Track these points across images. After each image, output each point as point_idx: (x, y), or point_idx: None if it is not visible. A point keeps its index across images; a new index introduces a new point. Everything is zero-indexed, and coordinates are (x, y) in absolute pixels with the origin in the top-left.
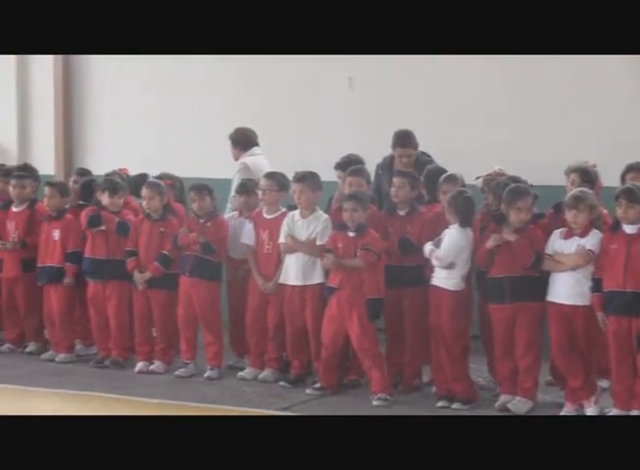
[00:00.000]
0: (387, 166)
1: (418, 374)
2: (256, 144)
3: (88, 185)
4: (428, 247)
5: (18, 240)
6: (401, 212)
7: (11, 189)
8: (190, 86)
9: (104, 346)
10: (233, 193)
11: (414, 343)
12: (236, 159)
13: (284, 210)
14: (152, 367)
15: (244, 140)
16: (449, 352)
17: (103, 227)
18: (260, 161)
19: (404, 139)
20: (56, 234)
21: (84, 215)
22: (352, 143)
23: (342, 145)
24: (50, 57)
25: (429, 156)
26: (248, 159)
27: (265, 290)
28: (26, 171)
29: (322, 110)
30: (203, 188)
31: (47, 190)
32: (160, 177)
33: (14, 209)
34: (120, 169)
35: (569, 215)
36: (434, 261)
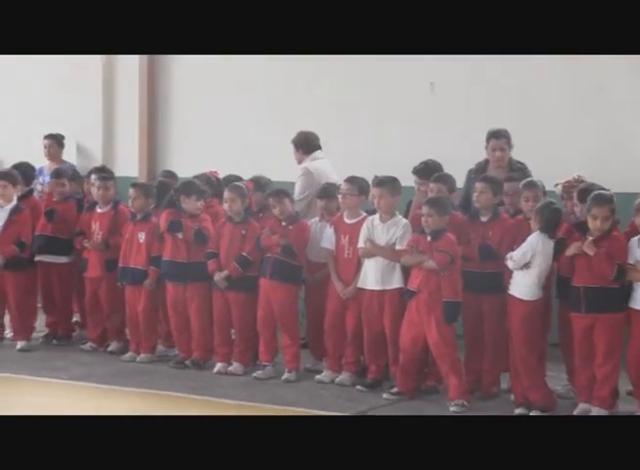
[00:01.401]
0: (480, 172)
1: (496, 381)
2: (319, 147)
3: (163, 186)
4: (507, 256)
5: (102, 240)
6: (483, 218)
7: (94, 190)
8: (274, 86)
9: (184, 347)
10: (297, 197)
11: (493, 350)
12: (299, 162)
13: (364, 214)
14: (230, 369)
15: (306, 143)
16: (524, 360)
17: (180, 235)
18: (323, 164)
19: (498, 131)
20: (141, 236)
21: (164, 219)
22: (431, 147)
23: (421, 149)
24: (135, 57)
25: (522, 164)
26: (309, 163)
27: (344, 295)
28: (108, 173)
29: (401, 114)
30: (280, 192)
31: (132, 192)
32: (257, 180)
33: (98, 210)
34: (211, 172)
35: (637, 220)
36: (509, 263)
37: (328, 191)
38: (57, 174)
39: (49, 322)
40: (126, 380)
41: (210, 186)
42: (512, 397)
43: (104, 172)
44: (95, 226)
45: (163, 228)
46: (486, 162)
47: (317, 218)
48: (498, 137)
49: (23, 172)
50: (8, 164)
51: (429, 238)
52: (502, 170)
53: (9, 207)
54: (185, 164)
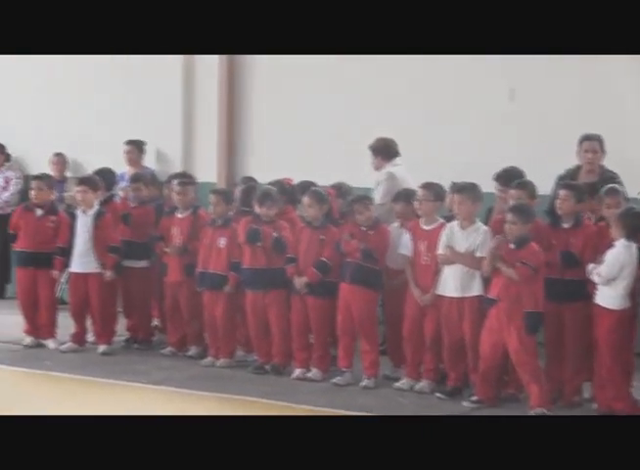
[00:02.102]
0: (569, 178)
1: (579, 390)
2: (398, 154)
3: (249, 191)
4: (590, 267)
5: (181, 245)
6: (566, 225)
7: (174, 196)
8: (350, 87)
9: (263, 352)
10: (379, 201)
11: (575, 358)
12: (377, 168)
13: (442, 220)
14: (309, 374)
15: (386, 150)
16: (610, 370)
17: (259, 244)
18: (403, 171)
19: (591, 134)
20: (222, 242)
21: (242, 229)
22: (510, 154)
23: (499, 156)
24: (214, 59)
25: (613, 172)
26: (393, 168)
27: (422, 302)
28: (187, 178)
29: (479, 120)
30: (366, 198)
31: (212, 197)
32: (339, 187)
33: (178, 215)
34: (285, 179)
35: None
36: (596, 278)
37: (403, 195)
38: (134, 179)
39: (129, 326)
40: (205, 385)
41: (285, 193)
42: (594, 406)
43: (184, 178)
44: (175, 231)
45: (242, 238)
46: (577, 168)
47: (397, 224)
48: (591, 139)
49: (105, 178)
50: (90, 170)
51: (512, 246)
52: (593, 176)
53: (91, 212)
54: (263, 168)
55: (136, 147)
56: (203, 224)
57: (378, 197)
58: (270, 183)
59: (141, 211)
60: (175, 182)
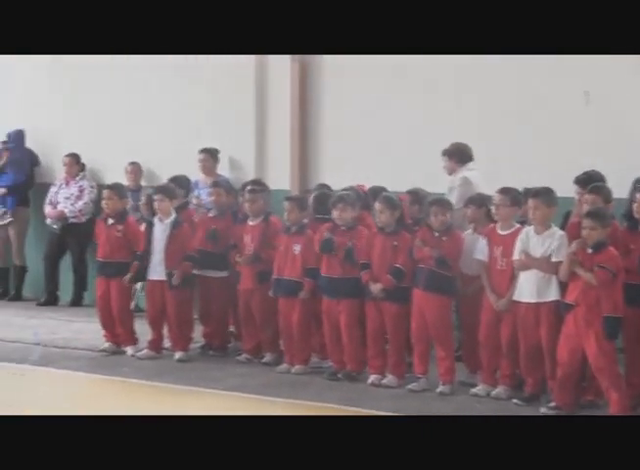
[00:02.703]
0: None
1: None
2: (472, 159)
3: (322, 198)
4: None
5: (253, 253)
6: None
7: (245, 204)
8: (420, 87)
9: (338, 358)
10: (455, 206)
11: None
12: (450, 173)
13: (518, 225)
14: (384, 381)
15: (461, 154)
16: None
17: (334, 253)
18: (477, 176)
19: None
20: (297, 248)
21: (317, 240)
22: (587, 157)
23: (575, 159)
24: (287, 63)
25: None
26: (468, 173)
27: (498, 307)
28: (258, 186)
29: (554, 122)
30: (445, 202)
31: (286, 204)
32: (416, 193)
33: (250, 222)
34: (358, 185)
35: None
36: None
37: (475, 200)
38: (214, 184)
39: (205, 333)
40: (280, 391)
41: (359, 199)
42: None
43: (256, 185)
44: (247, 239)
45: (316, 248)
46: None
47: (471, 230)
48: None
49: (180, 185)
50: (164, 178)
51: (589, 250)
52: None
53: (168, 220)
54: (337, 174)
55: (210, 155)
56: (274, 231)
57: (452, 202)
58: (344, 189)
59: (222, 224)
60: (246, 190)
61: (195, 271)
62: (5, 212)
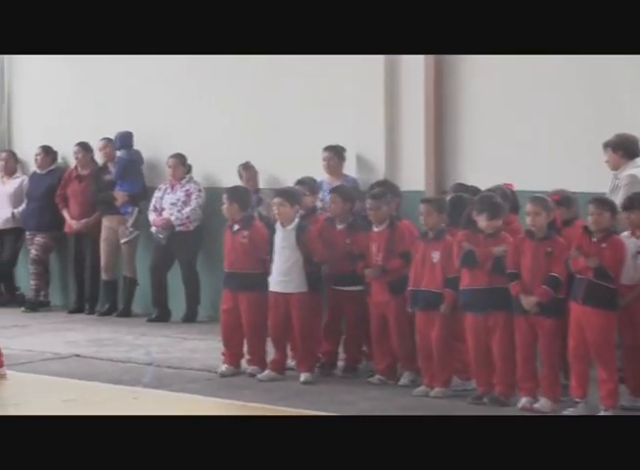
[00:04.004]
0: None
1: None
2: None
3: (457, 202)
4: None
5: (379, 267)
6: None
7: (368, 211)
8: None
9: (483, 380)
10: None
11: None
12: (615, 167)
13: None
14: (536, 405)
15: (627, 147)
16: None
17: (477, 266)
18: None
19: None
20: (435, 256)
21: (456, 248)
22: None
23: None
24: (420, 59)
25: None
26: (635, 170)
27: None
28: (385, 187)
29: None
30: (606, 202)
31: (422, 207)
32: (566, 195)
33: (375, 229)
34: (505, 184)
35: None
36: None
37: (634, 202)
38: (333, 190)
39: (327, 351)
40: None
41: (507, 200)
42: None
43: (382, 188)
44: (373, 247)
45: (456, 262)
46: None
47: (627, 233)
48: None
49: (309, 188)
50: (287, 180)
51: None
52: None
53: (291, 227)
54: (477, 174)
55: (335, 153)
56: (401, 237)
57: (616, 203)
58: (488, 189)
59: (339, 233)
60: (368, 196)
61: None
62: (131, 231)
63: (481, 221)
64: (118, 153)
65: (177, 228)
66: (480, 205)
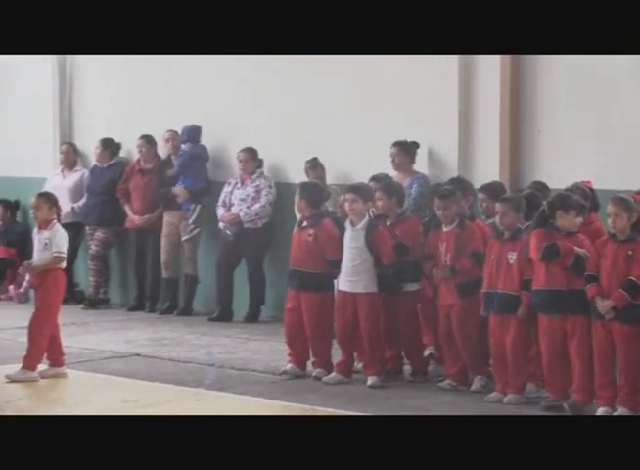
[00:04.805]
0: None
1: None
2: None
3: (530, 200)
4: None
5: (449, 268)
6: None
7: (436, 211)
8: None
9: (556, 387)
10: None
11: None
12: None
13: None
14: (615, 415)
15: None
16: None
17: (558, 260)
18: None
19: None
20: (512, 257)
21: (535, 244)
22: None
23: None
24: (496, 58)
25: None
26: None
27: None
28: (457, 185)
29: None
30: None
31: (499, 206)
32: None
33: (444, 229)
34: (584, 182)
35: None
36: None
37: None
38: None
39: (389, 357)
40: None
41: (586, 199)
42: None
43: (453, 185)
44: (442, 247)
45: (536, 256)
46: None
47: None
48: None
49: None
50: (356, 177)
51: None
52: None
53: (360, 225)
54: (553, 172)
55: (402, 149)
56: (470, 236)
57: None
58: (568, 188)
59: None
60: (436, 196)
61: None
62: (192, 229)
63: (562, 220)
64: (183, 146)
65: (245, 225)
66: (560, 202)
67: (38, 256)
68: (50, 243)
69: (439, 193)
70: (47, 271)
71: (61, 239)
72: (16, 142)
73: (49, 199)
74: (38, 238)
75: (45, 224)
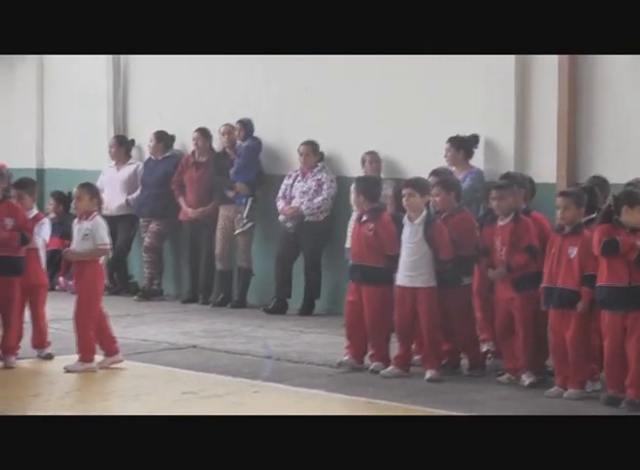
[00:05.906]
0: None
1: None
2: None
3: (589, 192)
4: None
5: (503, 267)
6: None
7: (493, 202)
8: None
9: (614, 382)
10: None
11: None
12: None
13: None
14: None
15: None
16: None
17: (619, 255)
18: None
19: None
20: (572, 252)
21: (597, 238)
22: None
23: None
24: (553, 57)
25: None
26: None
27: None
28: (510, 179)
29: None
30: None
31: (560, 200)
32: None
33: (499, 223)
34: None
35: None
36: None
37: None
38: (437, 183)
39: (448, 350)
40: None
41: None
42: None
43: (508, 179)
44: (497, 242)
45: (597, 250)
46: None
47: None
48: None
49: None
50: (412, 172)
51: None
52: None
53: (418, 220)
54: (611, 167)
55: (453, 144)
56: (525, 230)
57: None
58: (629, 183)
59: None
60: (492, 186)
61: None
62: (245, 222)
63: (627, 215)
64: (239, 140)
65: (307, 218)
66: (626, 197)
67: (77, 246)
68: (90, 234)
69: (495, 184)
70: (86, 263)
71: (103, 231)
72: (71, 135)
73: (90, 190)
74: (78, 228)
75: (86, 215)
